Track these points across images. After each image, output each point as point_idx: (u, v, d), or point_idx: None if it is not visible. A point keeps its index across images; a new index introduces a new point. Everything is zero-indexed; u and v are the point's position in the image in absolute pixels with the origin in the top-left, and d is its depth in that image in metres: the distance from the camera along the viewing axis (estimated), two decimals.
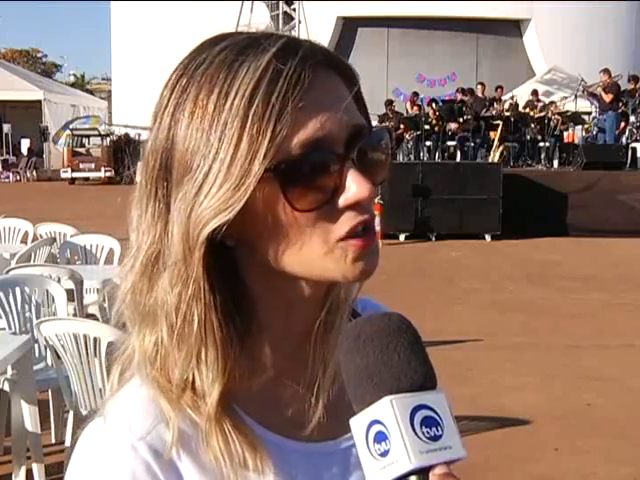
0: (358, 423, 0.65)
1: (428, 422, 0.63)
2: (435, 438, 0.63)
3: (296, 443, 0.78)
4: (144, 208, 0.74)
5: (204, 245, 0.70)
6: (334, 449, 0.81)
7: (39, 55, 66.37)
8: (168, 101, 0.73)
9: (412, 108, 19.33)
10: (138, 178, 0.75)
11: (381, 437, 0.63)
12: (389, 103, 19.20)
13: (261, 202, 0.71)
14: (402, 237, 13.38)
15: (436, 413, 0.64)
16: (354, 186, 0.71)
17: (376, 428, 0.63)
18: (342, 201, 0.72)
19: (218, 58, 0.71)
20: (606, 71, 16.85)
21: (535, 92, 19.61)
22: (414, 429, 0.62)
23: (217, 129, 0.69)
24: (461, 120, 17.82)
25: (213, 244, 0.72)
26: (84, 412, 3.69)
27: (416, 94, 20.16)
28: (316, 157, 0.70)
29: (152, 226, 0.73)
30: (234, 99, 0.69)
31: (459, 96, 19.29)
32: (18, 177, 29.02)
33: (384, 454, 0.62)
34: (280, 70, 0.69)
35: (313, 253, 0.73)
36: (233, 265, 0.75)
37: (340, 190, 0.72)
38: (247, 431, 0.74)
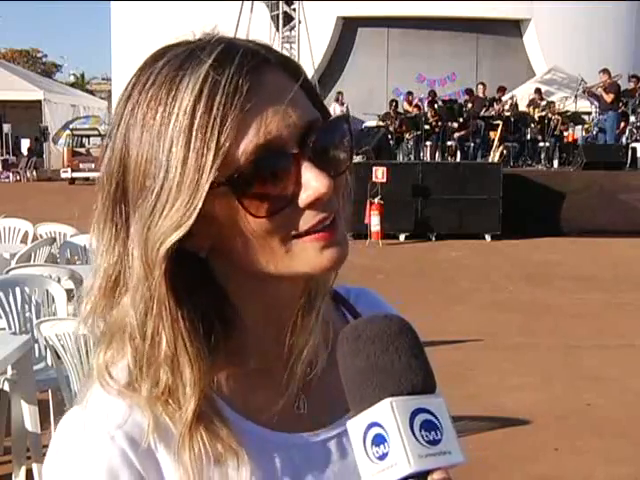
0: (356, 425, 0.64)
1: (427, 426, 0.62)
2: (434, 442, 0.62)
3: (277, 434, 0.79)
4: (102, 230, 0.75)
5: (164, 263, 0.71)
6: (313, 440, 0.81)
7: (39, 55, 66.37)
8: (119, 124, 0.74)
9: (410, 108, 19.38)
10: (98, 199, 0.75)
11: (380, 440, 0.62)
12: (392, 103, 19.25)
13: (223, 214, 0.72)
14: (402, 237, 13.38)
15: (435, 417, 0.63)
16: (312, 183, 0.71)
17: (375, 431, 0.62)
18: (303, 199, 0.72)
19: (160, 76, 0.72)
20: (606, 71, 16.85)
21: (538, 90, 19.60)
22: (414, 432, 0.61)
23: (164, 148, 0.70)
24: (461, 120, 17.83)
25: (185, 258, 0.72)
26: None
27: (410, 93, 20.38)
28: (267, 162, 0.70)
29: (110, 248, 0.74)
30: (177, 116, 0.69)
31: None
32: (18, 177, 29.01)
33: (382, 457, 0.62)
34: (217, 81, 0.69)
35: (278, 254, 0.73)
36: (211, 274, 0.77)
37: (299, 189, 0.72)
38: (226, 431, 0.75)
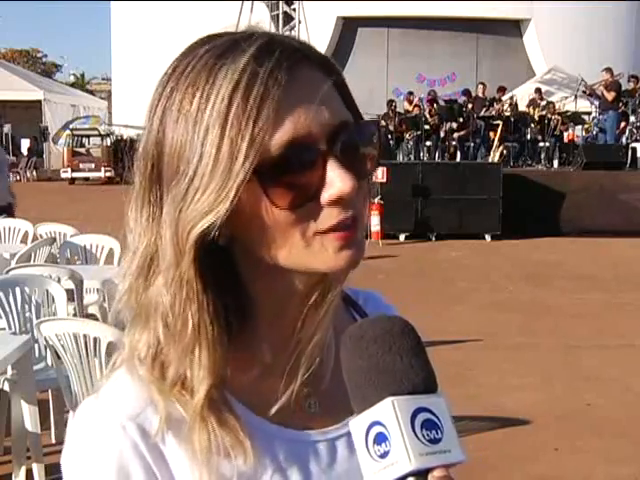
0: (358, 424, 0.65)
1: (428, 425, 0.63)
2: (435, 441, 0.63)
3: (285, 431, 0.80)
4: (139, 210, 0.76)
5: (194, 248, 0.72)
6: (321, 439, 0.82)
7: (39, 55, 66.35)
8: (157, 106, 0.75)
9: (411, 107, 19.39)
10: (135, 180, 0.77)
11: (381, 438, 0.63)
12: (390, 103, 19.26)
13: (247, 202, 0.72)
14: (402, 237, 13.38)
15: (436, 416, 0.64)
16: (337, 181, 0.72)
17: (377, 429, 0.63)
18: (325, 197, 0.73)
19: (200, 62, 0.73)
20: (608, 70, 16.85)
21: (538, 90, 19.62)
22: (414, 431, 0.62)
23: (200, 133, 0.71)
24: (461, 120, 17.83)
25: (209, 244, 0.73)
26: None
27: (411, 93, 20.40)
28: (296, 156, 0.71)
29: (147, 229, 0.75)
30: (214, 103, 0.71)
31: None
32: (18, 177, 28.97)
33: (384, 455, 0.63)
34: (257, 72, 0.70)
35: (297, 248, 0.74)
36: (231, 263, 0.78)
37: (323, 186, 0.73)
38: (234, 422, 0.76)
